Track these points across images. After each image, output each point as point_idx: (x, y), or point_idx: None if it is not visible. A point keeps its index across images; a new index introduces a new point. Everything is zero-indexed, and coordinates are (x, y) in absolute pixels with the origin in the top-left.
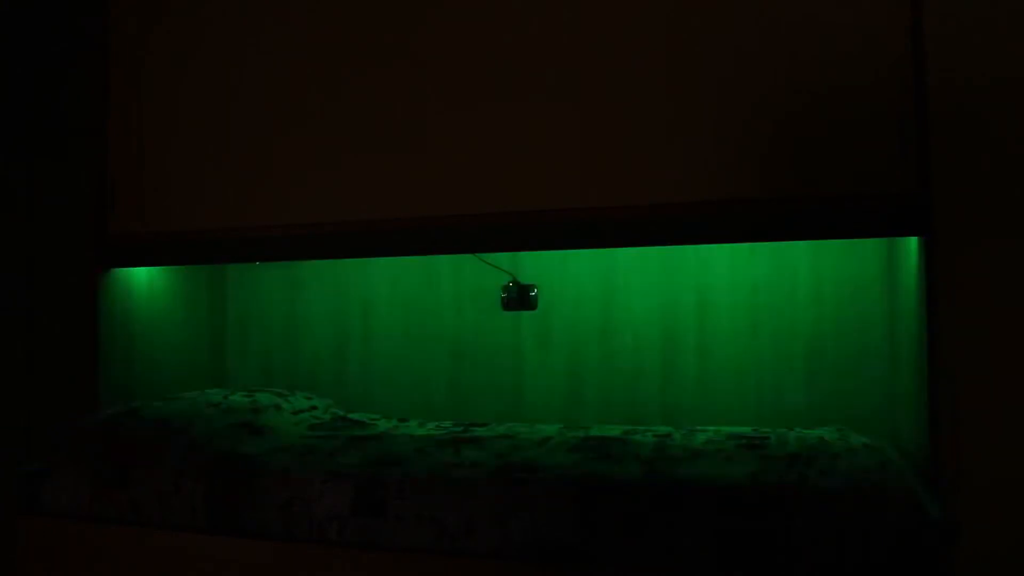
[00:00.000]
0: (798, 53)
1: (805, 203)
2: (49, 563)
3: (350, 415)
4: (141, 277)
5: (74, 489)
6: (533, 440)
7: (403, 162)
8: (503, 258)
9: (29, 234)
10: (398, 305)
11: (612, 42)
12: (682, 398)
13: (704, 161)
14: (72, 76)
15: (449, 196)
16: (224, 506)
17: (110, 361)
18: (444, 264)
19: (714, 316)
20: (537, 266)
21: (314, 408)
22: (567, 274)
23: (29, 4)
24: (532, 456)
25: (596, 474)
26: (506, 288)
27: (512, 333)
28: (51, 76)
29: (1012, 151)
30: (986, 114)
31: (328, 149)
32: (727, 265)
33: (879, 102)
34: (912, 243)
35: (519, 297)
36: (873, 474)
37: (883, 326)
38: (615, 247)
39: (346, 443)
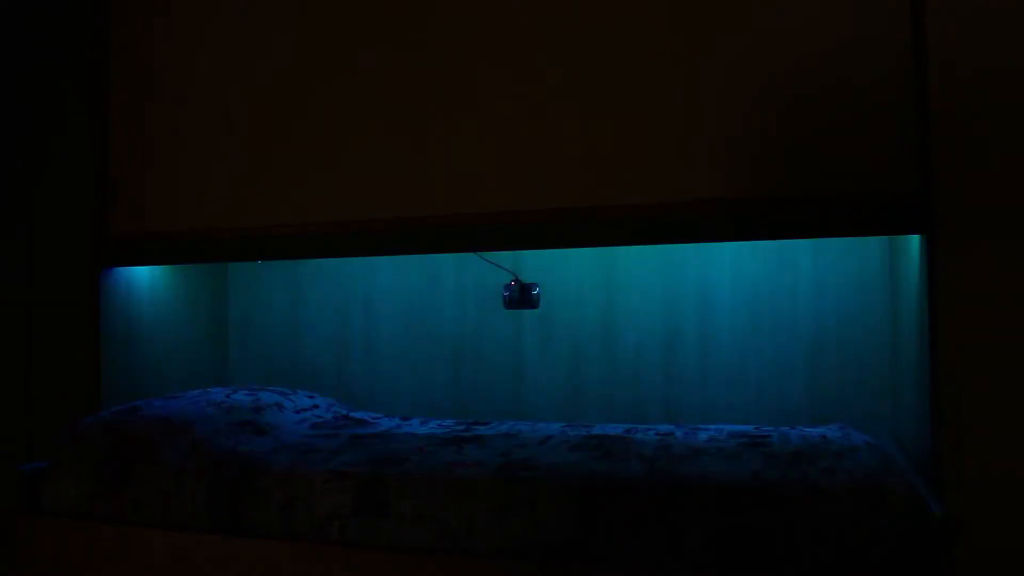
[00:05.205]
0: (798, 51)
1: (806, 201)
2: (49, 563)
3: (352, 414)
4: (143, 276)
5: (75, 489)
6: (535, 439)
7: (404, 161)
8: (505, 256)
9: (30, 234)
10: (400, 303)
11: (613, 41)
12: (684, 396)
13: (705, 160)
14: (73, 76)
15: (450, 195)
16: (226, 505)
17: (112, 360)
18: (446, 262)
19: (716, 314)
20: (539, 264)
21: (316, 407)
22: (569, 272)
23: (30, 4)
24: (534, 455)
25: (598, 473)
26: (508, 287)
27: (514, 332)
28: (52, 76)
29: (1013, 149)
30: (987, 111)
31: (329, 148)
32: (728, 263)
33: (880, 100)
34: (913, 241)
35: (521, 295)
36: (875, 472)
37: (885, 324)
38: (617, 246)
39: (348, 442)
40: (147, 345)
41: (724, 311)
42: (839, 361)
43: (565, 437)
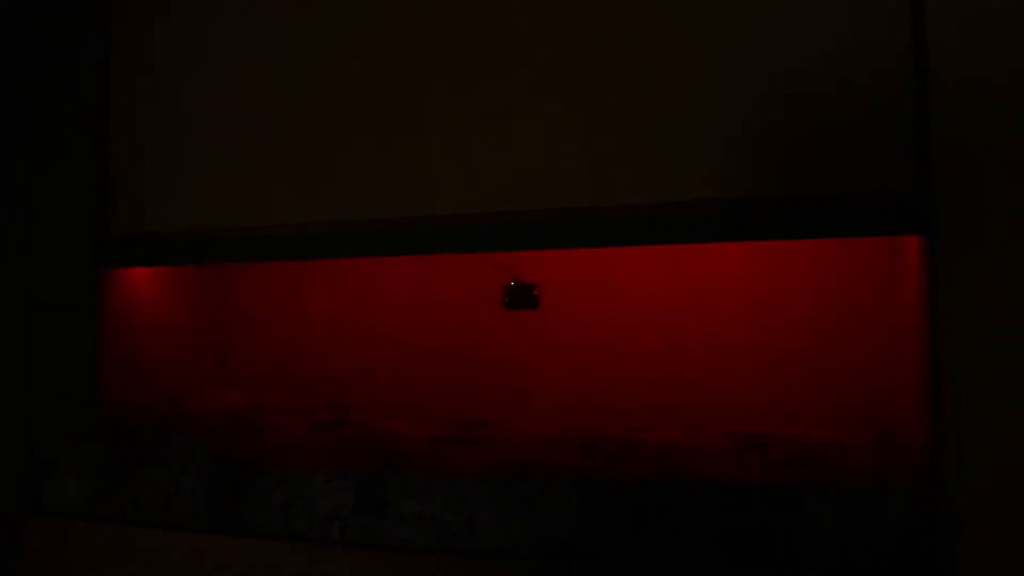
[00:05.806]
0: (798, 51)
1: (806, 202)
2: (49, 563)
3: (351, 414)
4: (142, 277)
5: (75, 489)
6: (535, 440)
7: (404, 161)
8: (505, 257)
9: (29, 234)
10: (400, 304)
11: (613, 41)
12: (684, 397)
13: (705, 160)
14: (73, 76)
15: (450, 195)
16: (226, 505)
17: (112, 360)
18: (445, 263)
19: (716, 315)
20: (539, 265)
21: (316, 407)
22: (569, 273)
23: (30, 4)
24: (534, 455)
25: (598, 473)
26: (508, 287)
27: (514, 332)
28: (52, 75)
29: (1013, 149)
30: (987, 111)
31: (328, 148)
32: (729, 264)
33: (880, 100)
34: (913, 241)
35: (521, 296)
36: (875, 472)
37: (884, 325)
38: (617, 246)
39: (348, 442)
40: (147, 345)
41: (724, 311)
42: (839, 361)
43: (564, 437)
